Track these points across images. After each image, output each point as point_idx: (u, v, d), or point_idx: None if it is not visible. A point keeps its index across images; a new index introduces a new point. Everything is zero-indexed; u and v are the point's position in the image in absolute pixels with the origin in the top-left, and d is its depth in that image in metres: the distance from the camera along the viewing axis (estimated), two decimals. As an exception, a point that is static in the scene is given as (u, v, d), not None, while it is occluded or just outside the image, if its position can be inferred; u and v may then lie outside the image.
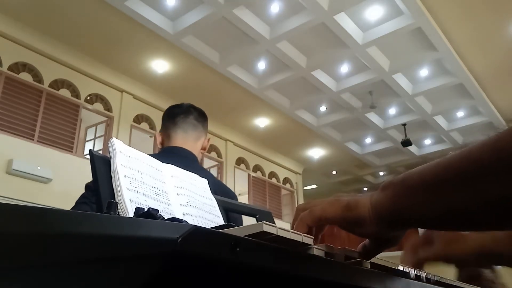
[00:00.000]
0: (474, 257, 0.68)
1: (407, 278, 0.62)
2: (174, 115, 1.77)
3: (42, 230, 0.47)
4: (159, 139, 1.76)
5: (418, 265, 0.66)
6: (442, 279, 0.73)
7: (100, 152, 1.16)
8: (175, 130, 1.70)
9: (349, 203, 0.52)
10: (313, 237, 0.49)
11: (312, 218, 0.54)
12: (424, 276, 0.67)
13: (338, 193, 0.56)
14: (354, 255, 0.55)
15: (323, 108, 8.82)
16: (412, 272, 0.64)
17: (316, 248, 0.49)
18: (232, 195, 1.65)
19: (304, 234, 0.47)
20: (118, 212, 0.57)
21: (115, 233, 0.40)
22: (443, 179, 0.43)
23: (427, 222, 0.49)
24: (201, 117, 1.79)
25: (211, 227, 0.41)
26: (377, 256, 0.58)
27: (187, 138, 1.69)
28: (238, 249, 0.36)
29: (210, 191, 0.87)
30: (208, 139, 1.81)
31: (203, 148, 1.76)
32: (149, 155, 1.54)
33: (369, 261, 0.56)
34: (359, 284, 0.49)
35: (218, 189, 1.57)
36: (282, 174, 11.06)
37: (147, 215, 0.52)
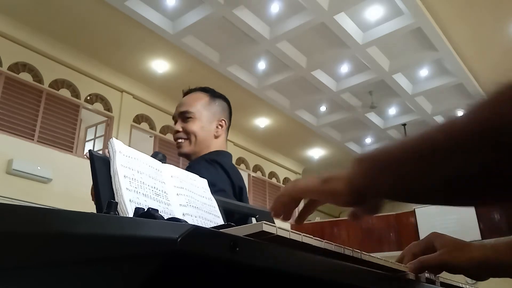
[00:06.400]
0: (476, 267, 0.68)
1: (407, 278, 0.62)
2: (231, 114, 1.58)
3: (42, 230, 0.47)
4: (223, 127, 1.51)
5: (418, 270, 0.66)
6: (443, 280, 0.73)
7: (100, 152, 1.15)
8: (228, 130, 1.56)
9: (327, 177, 0.58)
10: (311, 236, 0.49)
11: (295, 189, 0.61)
12: (424, 276, 0.67)
13: (323, 171, 0.62)
14: (354, 255, 0.55)
15: (323, 108, 8.82)
16: (412, 273, 0.65)
17: (315, 246, 0.49)
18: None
19: (304, 234, 0.47)
20: (118, 212, 0.57)
21: (115, 233, 0.40)
22: (404, 156, 0.48)
23: (392, 195, 0.53)
24: None
25: (210, 227, 0.41)
26: (378, 256, 0.58)
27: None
28: (237, 249, 0.36)
29: (210, 191, 0.88)
30: None
31: None
32: (213, 151, 1.43)
33: (368, 260, 0.56)
34: (359, 284, 0.49)
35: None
36: (282, 174, 11.06)
37: (147, 215, 0.52)
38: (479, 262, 0.68)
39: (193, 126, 1.45)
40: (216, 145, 1.48)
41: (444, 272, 0.71)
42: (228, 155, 1.49)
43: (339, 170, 0.58)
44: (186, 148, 1.45)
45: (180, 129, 1.47)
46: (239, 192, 1.34)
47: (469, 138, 0.41)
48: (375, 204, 0.59)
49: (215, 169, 1.32)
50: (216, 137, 1.49)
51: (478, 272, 0.69)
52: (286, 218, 0.63)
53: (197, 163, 1.35)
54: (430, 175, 0.45)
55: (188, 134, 1.46)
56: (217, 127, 1.48)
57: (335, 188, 0.56)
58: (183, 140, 1.47)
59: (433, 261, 0.69)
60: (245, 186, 1.45)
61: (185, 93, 1.56)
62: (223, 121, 1.50)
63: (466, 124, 0.41)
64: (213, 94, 1.55)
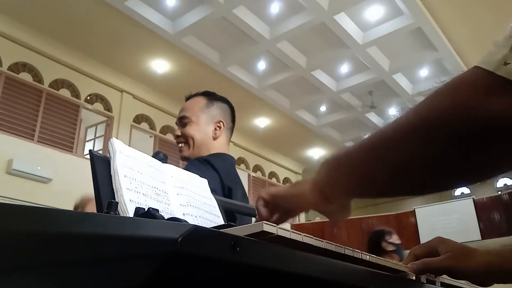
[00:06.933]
0: (481, 273, 0.68)
1: (407, 279, 0.62)
2: (233, 119, 1.59)
3: (42, 230, 0.47)
4: (221, 129, 1.51)
5: (420, 271, 0.66)
6: (443, 280, 0.73)
7: (100, 152, 1.14)
8: (230, 132, 1.57)
9: (296, 182, 0.64)
10: (312, 236, 0.49)
11: (266, 193, 0.66)
12: (424, 277, 0.67)
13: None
14: (355, 255, 0.55)
15: (323, 108, 8.82)
16: (413, 274, 0.64)
17: (315, 246, 0.49)
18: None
19: (304, 234, 0.47)
20: (118, 212, 0.57)
21: (115, 233, 0.40)
22: (358, 152, 0.51)
23: (352, 192, 0.56)
24: None
25: (211, 227, 0.41)
26: (378, 257, 0.58)
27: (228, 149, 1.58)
28: (238, 248, 0.36)
29: (210, 191, 0.87)
30: None
31: None
32: (212, 154, 1.44)
33: (368, 260, 0.56)
34: (359, 284, 0.49)
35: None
36: (282, 174, 11.06)
37: (147, 215, 0.52)
38: (483, 268, 0.67)
39: (190, 130, 1.48)
40: (217, 146, 1.49)
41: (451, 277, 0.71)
42: (225, 157, 1.49)
43: (307, 177, 0.61)
44: (186, 152, 1.48)
45: (180, 134, 1.50)
46: (228, 192, 1.34)
47: (410, 130, 0.44)
48: (342, 205, 0.62)
49: (206, 167, 1.32)
50: (214, 138, 1.50)
51: (482, 278, 0.68)
52: (271, 219, 0.66)
53: (190, 163, 1.38)
54: (380, 165, 0.47)
55: (186, 138, 1.49)
56: (215, 129, 1.50)
57: (301, 190, 0.60)
58: (183, 144, 1.50)
59: (437, 264, 0.68)
60: (239, 188, 1.43)
61: (186, 99, 1.60)
62: (221, 123, 1.51)
63: (409, 118, 0.45)
64: (212, 97, 1.58)
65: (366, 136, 0.52)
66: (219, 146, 1.50)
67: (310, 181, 0.59)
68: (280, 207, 0.66)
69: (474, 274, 0.68)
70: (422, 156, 0.43)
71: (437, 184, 0.47)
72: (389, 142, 0.46)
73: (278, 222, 0.66)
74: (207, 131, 1.50)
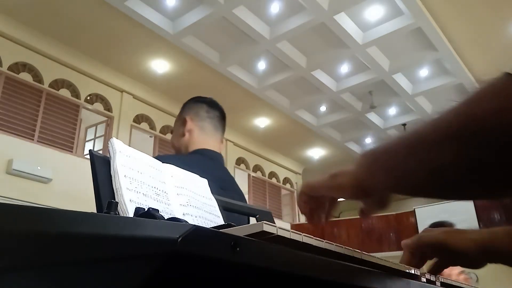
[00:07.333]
0: (473, 250, 0.69)
1: (407, 279, 0.62)
2: (209, 106, 1.62)
3: (42, 230, 0.47)
4: (189, 126, 1.56)
5: (415, 246, 0.68)
6: (444, 280, 0.73)
7: (100, 152, 1.14)
8: (209, 125, 1.59)
9: (335, 173, 0.62)
10: (312, 236, 0.49)
11: (307, 186, 0.66)
12: (424, 276, 0.67)
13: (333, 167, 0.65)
14: (355, 255, 0.55)
15: (323, 108, 8.82)
16: (412, 272, 0.64)
17: (316, 246, 0.49)
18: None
19: (304, 234, 0.47)
20: (118, 212, 0.57)
21: (115, 233, 0.40)
22: (397, 149, 0.50)
23: (391, 188, 0.56)
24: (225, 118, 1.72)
25: (211, 227, 0.41)
26: (378, 256, 0.58)
27: (217, 138, 1.60)
28: (238, 249, 0.36)
29: (210, 191, 0.88)
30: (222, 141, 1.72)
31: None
32: (179, 155, 1.53)
33: (367, 260, 0.56)
34: (359, 284, 0.49)
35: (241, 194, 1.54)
36: (282, 174, 11.06)
37: (147, 215, 0.52)
38: (476, 245, 0.69)
39: (171, 138, 1.69)
40: (195, 143, 1.55)
41: (444, 273, 0.72)
42: (203, 151, 1.53)
43: (347, 166, 0.60)
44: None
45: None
46: None
47: (451, 134, 0.43)
48: (381, 198, 0.62)
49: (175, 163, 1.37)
50: (183, 135, 1.56)
51: (475, 255, 0.69)
52: (315, 220, 0.68)
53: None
54: (417, 167, 0.47)
55: (172, 147, 1.65)
56: (183, 126, 1.58)
57: (341, 183, 0.60)
58: (174, 152, 1.64)
59: (431, 238, 0.71)
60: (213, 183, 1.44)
61: None
62: (185, 119, 1.57)
63: (450, 121, 0.43)
64: (185, 103, 1.68)
65: (403, 133, 0.51)
66: (198, 141, 1.54)
67: (349, 173, 0.59)
68: (321, 199, 0.67)
69: (467, 250, 0.69)
70: (462, 161, 0.42)
71: (474, 191, 0.47)
72: (427, 145, 0.45)
73: (326, 219, 0.68)
74: (179, 132, 1.59)
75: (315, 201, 0.67)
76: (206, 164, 1.44)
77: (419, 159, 0.46)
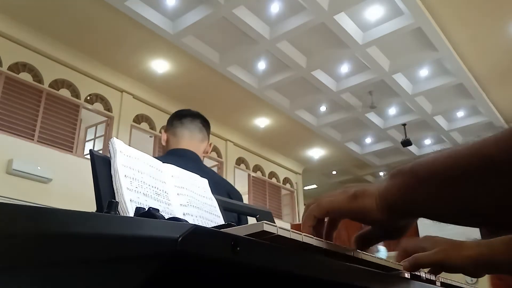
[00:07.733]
0: (471, 265, 0.68)
1: (407, 278, 0.62)
2: (182, 116, 1.85)
3: (42, 230, 0.47)
4: (164, 136, 1.82)
5: (413, 268, 0.66)
6: (443, 280, 0.73)
7: (100, 152, 1.15)
8: (181, 130, 1.80)
9: (356, 193, 0.53)
10: (314, 236, 0.49)
11: (319, 209, 0.55)
12: (424, 276, 0.67)
13: (348, 184, 0.57)
14: (354, 254, 0.55)
15: (323, 108, 8.81)
16: (410, 273, 0.64)
17: (316, 246, 0.49)
18: (238, 195, 1.82)
19: (304, 234, 0.47)
20: (118, 212, 0.57)
21: (115, 233, 0.40)
22: (452, 173, 0.44)
23: (435, 215, 0.49)
24: (206, 123, 1.92)
25: (211, 227, 0.41)
26: (378, 256, 0.58)
27: (192, 139, 1.79)
28: (238, 248, 0.36)
29: (210, 191, 0.88)
30: (211, 144, 1.92)
31: (205, 152, 1.88)
32: (155, 157, 1.65)
33: (365, 259, 0.56)
34: (359, 284, 0.49)
35: (222, 188, 1.64)
36: (282, 174, 11.06)
37: (148, 214, 0.52)
38: (474, 260, 0.67)
39: None
40: (168, 148, 1.79)
41: (443, 272, 0.71)
42: (171, 151, 1.76)
43: (366, 185, 0.54)
44: None
45: None
46: None
47: (491, 166, 0.40)
48: (404, 224, 0.56)
49: None
50: (163, 145, 1.83)
51: (473, 269, 0.69)
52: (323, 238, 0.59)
53: None
54: (455, 196, 0.43)
55: None
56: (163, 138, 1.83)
57: (364, 205, 0.52)
58: None
59: (427, 259, 0.68)
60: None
61: None
62: (162, 132, 1.85)
63: (491, 153, 0.40)
64: None
65: (452, 152, 0.45)
66: (171, 145, 1.79)
67: (375, 194, 0.51)
68: (334, 221, 0.58)
69: (465, 266, 0.68)
70: (504, 195, 0.40)
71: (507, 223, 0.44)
72: (468, 175, 0.42)
73: (332, 236, 0.58)
74: (162, 144, 1.88)
75: (324, 224, 0.58)
76: (174, 161, 1.53)
77: (487, 186, 0.41)
